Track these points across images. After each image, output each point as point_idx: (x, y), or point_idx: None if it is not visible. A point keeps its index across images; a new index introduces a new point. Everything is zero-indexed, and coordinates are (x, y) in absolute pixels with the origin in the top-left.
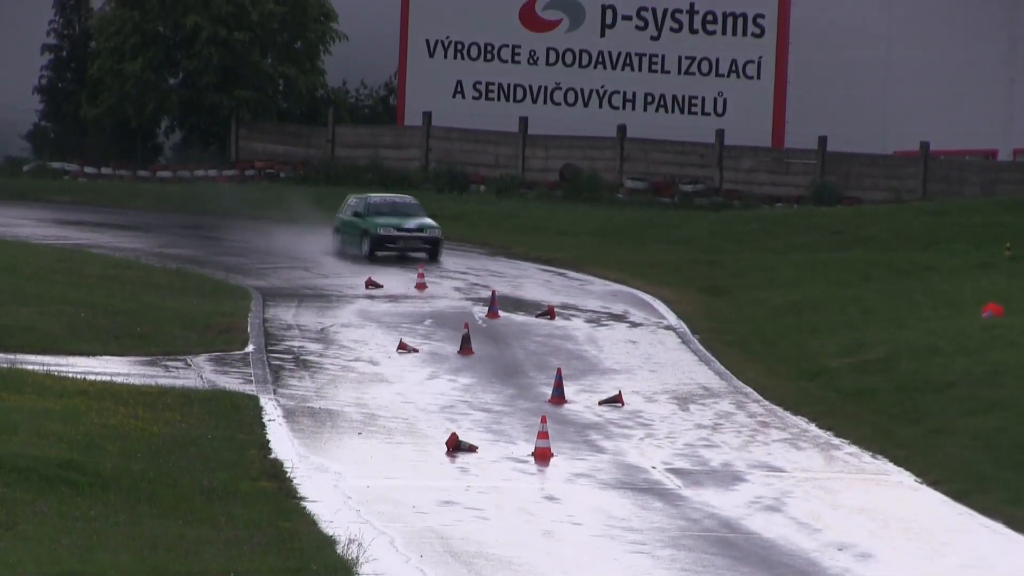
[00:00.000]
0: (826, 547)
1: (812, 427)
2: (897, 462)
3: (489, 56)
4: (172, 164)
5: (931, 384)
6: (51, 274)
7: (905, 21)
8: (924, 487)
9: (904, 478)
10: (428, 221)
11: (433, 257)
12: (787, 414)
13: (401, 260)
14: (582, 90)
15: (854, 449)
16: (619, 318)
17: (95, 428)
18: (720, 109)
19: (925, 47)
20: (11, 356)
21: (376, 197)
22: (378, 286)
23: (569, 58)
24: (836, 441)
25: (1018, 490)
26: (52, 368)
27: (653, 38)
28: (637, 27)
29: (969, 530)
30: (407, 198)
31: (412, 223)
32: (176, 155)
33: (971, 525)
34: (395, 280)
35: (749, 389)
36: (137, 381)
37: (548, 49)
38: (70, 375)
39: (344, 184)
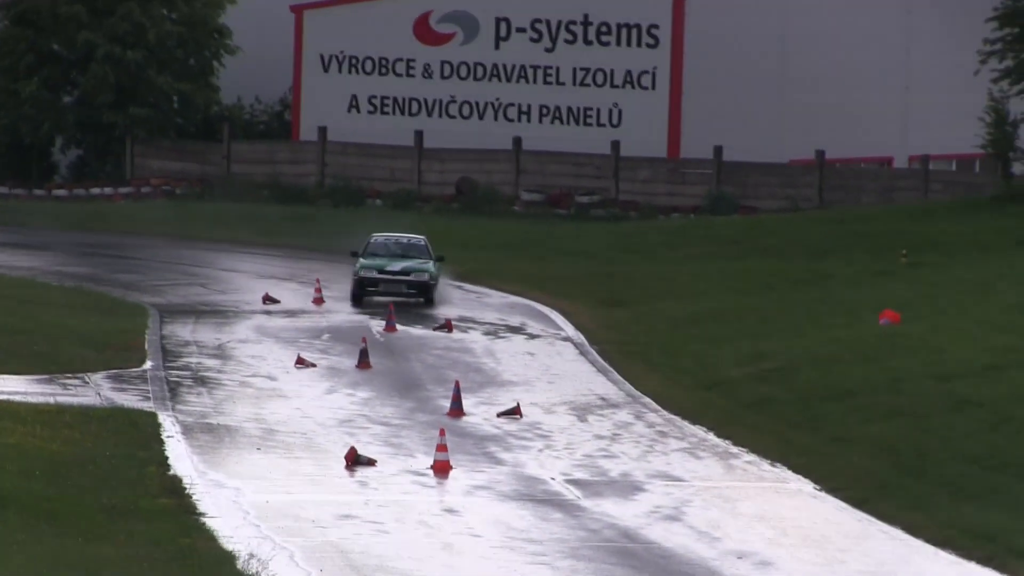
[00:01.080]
0: (726, 555)
1: (711, 436)
2: (796, 470)
3: (384, 70)
4: (68, 182)
5: (830, 392)
6: None
7: (800, 29)
8: (824, 494)
9: (803, 486)
10: (419, 264)
11: (427, 302)
12: (686, 424)
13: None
14: (477, 103)
15: (753, 457)
16: (517, 330)
17: None
18: (616, 120)
19: (820, 55)
20: None
21: (380, 237)
22: (275, 301)
23: (464, 71)
24: (735, 450)
25: (918, 496)
26: None
27: (548, 50)
28: (531, 39)
29: (869, 536)
30: (415, 238)
31: (398, 265)
32: (72, 173)
33: (871, 532)
34: (293, 295)
35: (648, 399)
36: (35, 399)
37: (443, 63)
38: None
39: (241, 201)
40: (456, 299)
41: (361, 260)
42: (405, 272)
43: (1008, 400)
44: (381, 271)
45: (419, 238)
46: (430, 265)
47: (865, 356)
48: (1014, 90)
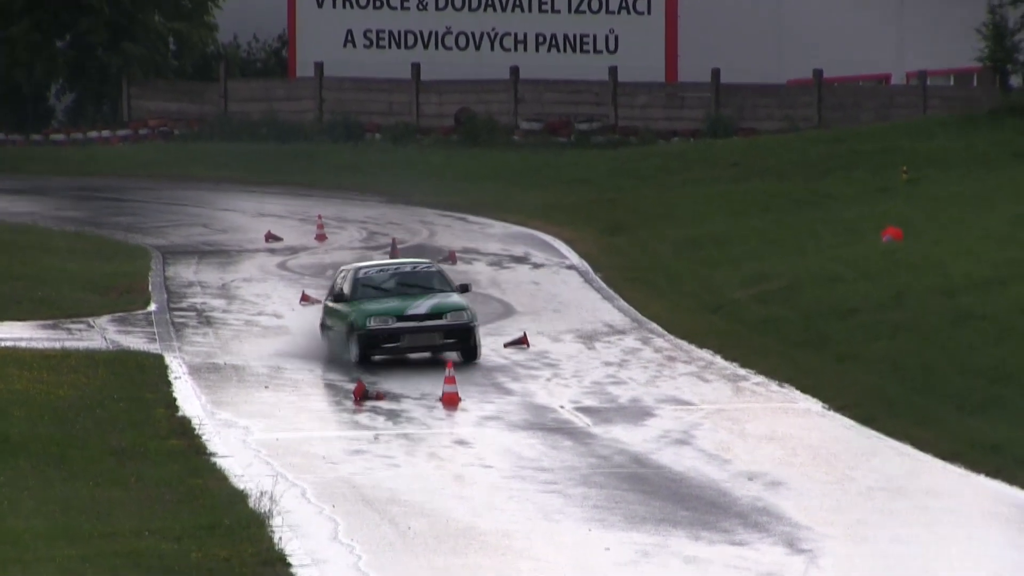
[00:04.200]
0: (736, 477)
1: (718, 359)
2: (804, 390)
3: (379, 3)
4: (65, 127)
5: (835, 311)
6: None
7: None
8: (832, 413)
9: (811, 405)
10: (449, 299)
11: (467, 355)
12: (693, 348)
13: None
14: (473, 34)
15: (761, 379)
16: (521, 260)
17: (3, 393)
18: (612, 46)
19: None
20: None
21: (367, 268)
22: (278, 239)
23: (459, 2)
24: (743, 372)
25: (924, 412)
26: None
27: None
28: None
29: (877, 453)
30: (420, 263)
31: (423, 305)
32: (68, 118)
33: (879, 448)
34: (295, 233)
35: (654, 324)
36: (40, 345)
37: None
38: None
39: (241, 139)
40: (459, 231)
41: (358, 307)
42: (436, 313)
43: (1011, 312)
44: (401, 317)
45: (426, 262)
46: (460, 299)
47: (868, 274)
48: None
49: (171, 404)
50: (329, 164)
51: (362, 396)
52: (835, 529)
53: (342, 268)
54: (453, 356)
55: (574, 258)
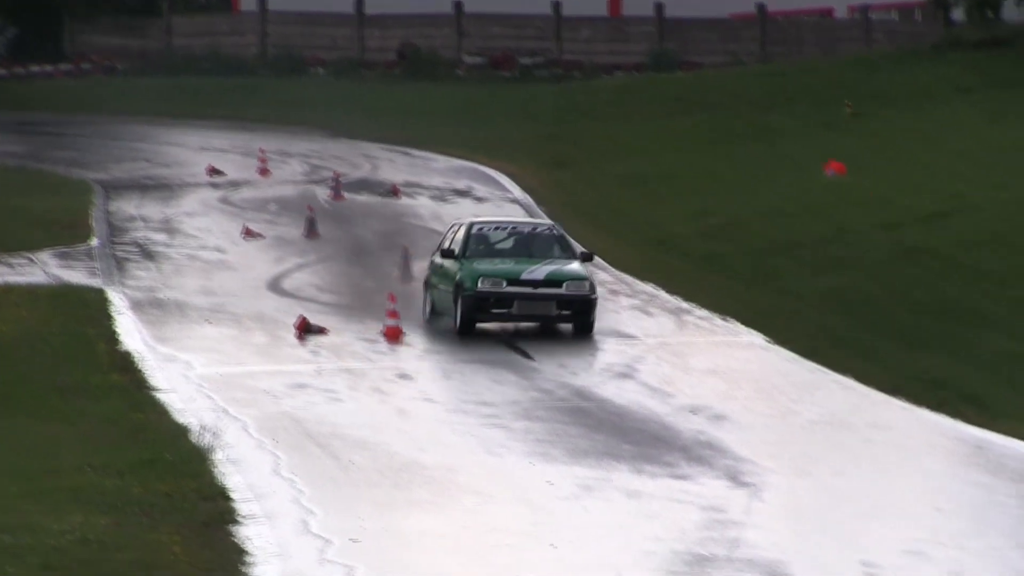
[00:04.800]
0: (679, 410)
1: (662, 293)
2: (747, 324)
3: None
4: (6, 61)
5: (779, 246)
6: None
7: None
8: (775, 347)
9: (755, 339)
10: (569, 267)
11: (583, 329)
12: (636, 281)
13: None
14: None
15: (704, 313)
16: (464, 194)
17: None
18: None
19: None
20: None
21: (483, 223)
22: (220, 173)
23: None
24: (686, 306)
25: (868, 346)
26: None
27: None
28: None
29: (821, 387)
30: (541, 224)
31: (539, 271)
32: (10, 52)
33: (823, 382)
34: (237, 167)
35: (597, 259)
36: None
37: None
38: None
39: (184, 74)
40: (402, 165)
41: (469, 265)
42: (554, 281)
43: (955, 247)
44: (514, 280)
45: (547, 224)
46: (579, 267)
47: (811, 208)
48: None
49: (113, 339)
50: (272, 99)
51: (304, 330)
52: (778, 463)
53: (455, 222)
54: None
55: (517, 192)
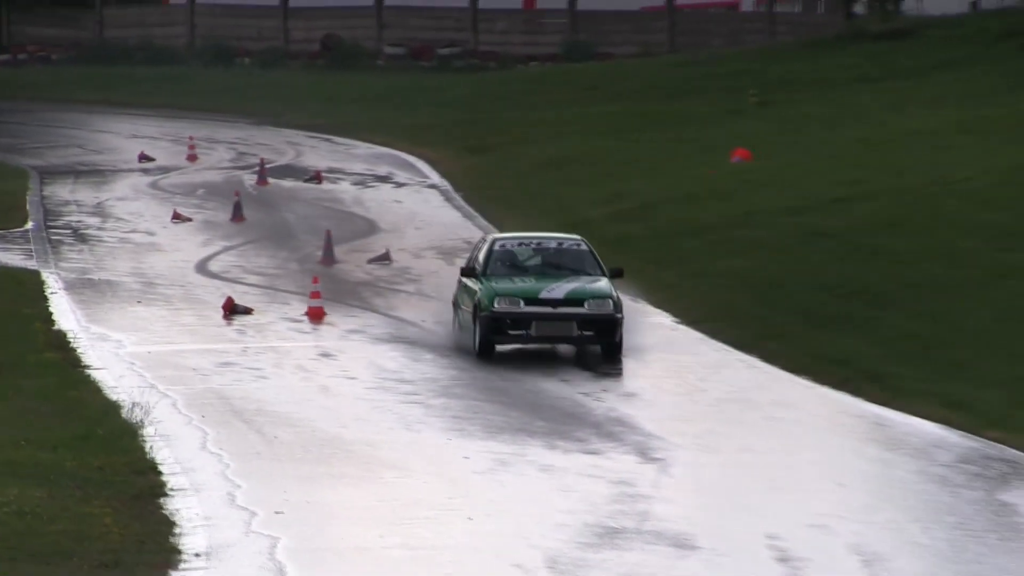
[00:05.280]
0: (592, 389)
1: None
2: (656, 304)
3: None
4: None
5: (687, 229)
6: None
7: None
8: (683, 327)
9: (663, 319)
10: (594, 285)
11: (608, 352)
12: None
13: (174, 134)
14: None
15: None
16: (384, 179)
17: None
18: None
19: None
20: None
21: (506, 239)
22: (151, 159)
23: None
24: None
25: (773, 325)
26: None
27: None
28: None
29: (727, 365)
30: (568, 239)
31: (560, 290)
32: None
33: (729, 360)
34: (167, 154)
35: None
36: None
37: None
38: None
39: (117, 63)
40: (325, 151)
41: (489, 283)
42: (575, 300)
43: (856, 230)
44: (532, 300)
45: (574, 239)
46: (606, 286)
47: (719, 193)
48: None
49: (48, 319)
50: (201, 88)
51: (231, 310)
52: (685, 439)
53: (482, 237)
54: (596, 349)
55: (436, 178)
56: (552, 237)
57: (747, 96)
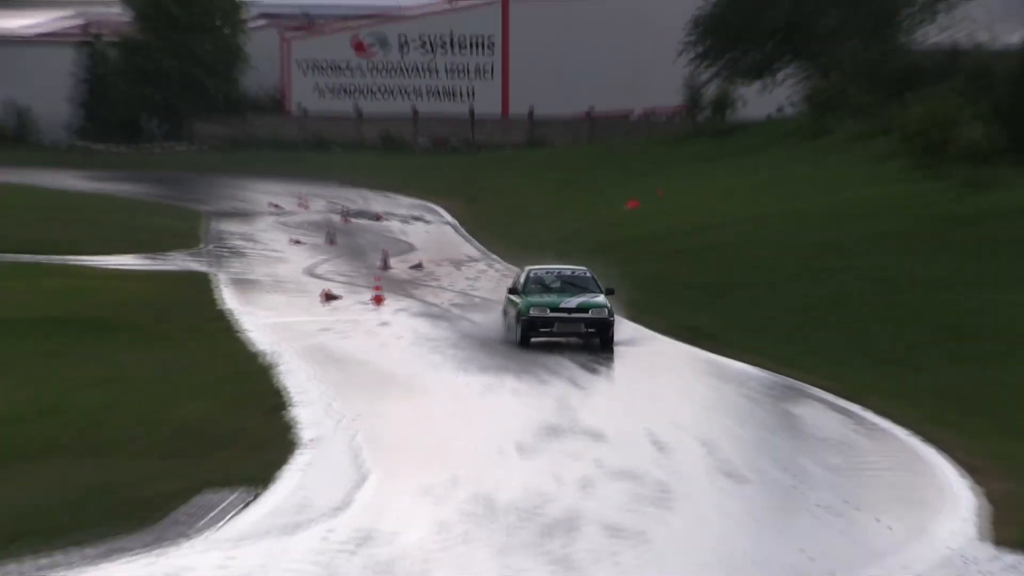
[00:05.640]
0: (543, 344)
1: None
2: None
3: (331, 71)
4: (158, 141)
5: (600, 247)
6: (83, 209)
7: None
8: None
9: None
10: (596, 299)
11: (604, 344)
12: (516, 269)
13: (290, 192)
14: (391, 88)
15: None
16: (417, 218)
17: (117, 295)
18: (471, 96)
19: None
20: (60, 257)
21: (538, 269)
22: (278, 207)
23: (381, 69)
24: None
25: (651, 305)
26: (87, 263)
27: (429, 54)
28: (421, 49)
29: (623, 327)
30: (579, 270)
31: (573, 301)
32: (160, 137)
33: (626, 326)
34: (287, 202)
35: (495, 256)
36: (143, 268)
37: (370, 65)
38: (99, 266)
39: (256, 149)
40: (383, 202)
41: (525, 298)
42: (583, 309)
43: (706, 248)
44: (555, 309)
45: (582, 269)
46: (603, 299)
47: (620, 225)
48: (704, 68)
49: (218, 301)
50: (307, 164)
51: (326, 297)
52: (598, 375)
53: (520, 269)
54: (595, 343)
55: (448, 217)
56: (567, 267)
57: (636, 166)
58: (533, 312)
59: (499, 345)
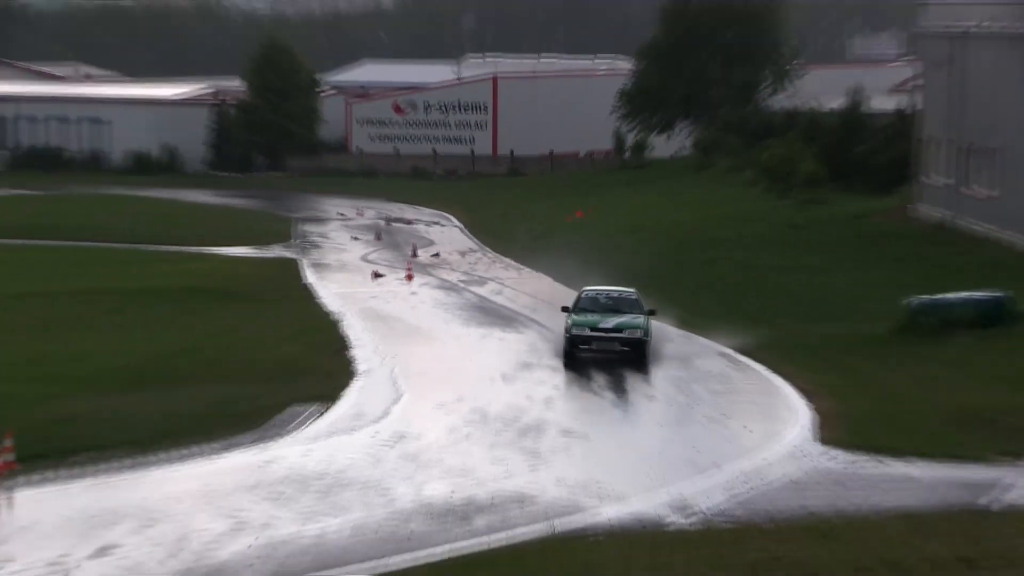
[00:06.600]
0: (520, 308)
1: (510, 260)
2: (544, 272)
3: (382, 125)
4: (263, 171)
5: (557, 245)
6: (211, 215)
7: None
8: (555, 281)
9: (545, 278)
10: (632, 320)
11: (638, 362)
12: (503, 257)
13: (352, 205)
14: (418, 137)
15: (529, 270)
16: (436, 223)
17: (234, 273)
18: (472, 142)
19: (562, 101)
20: (195, 248)
21: (591, 291)
22: (344, 215)
23: (413, 123)
24: (524, 268)
25: (577, 278)
26: (213, 252)
27: (444, 114)
28: (439, 110)
29: (558, 292)
30: (626, 292)
31: (611, 322)
32: (265, 168)
33: (563, 291)
34: (349, 211)
35: (489, 249)
36: (251, 256)
37: (404, 121)
38: (221, 254)
39: (329, 176)
40: (412, 212)
41: (573, 317)
42: (618, 329)
43: (633, 243)
44: (594, 328)
45: (630, 291)
46: (642, 320)
47: (575, 227)
48: (627, 124)
49: (302, 277)
50: (362, 187)
51: (375, 276)
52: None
53: (581, 289)
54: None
55: (456, 222)
56: (615, 289)
57: (584, 189)
58: (576, 331)
59: (492, 307)
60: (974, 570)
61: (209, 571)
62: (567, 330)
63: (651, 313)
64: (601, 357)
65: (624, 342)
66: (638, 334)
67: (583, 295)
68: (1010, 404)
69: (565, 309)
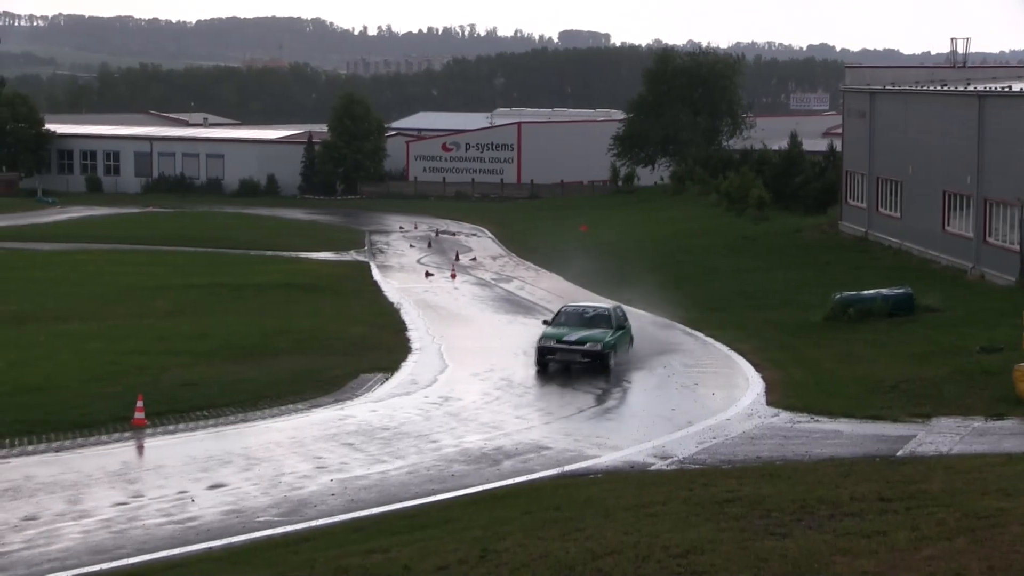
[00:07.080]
0: (537, 299)
1: (530, 264)
2: (553, 270)
3: (435, 160)
4: (340, 195)
5: (558, 251)
6: (301, 228)
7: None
8: (564, 280)
9: (557, 276)
10: (599, 334)
11: (602, 369)
12: (525, 261)
13: (409, 220)
14: (461, 170)
15: (537, 268)
16: (473, 235)
17: (319, 272)
18: (502, 172)
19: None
20: (289, 253)
21: (569, 307)
22: (403, 228)
23: (457, 158)
24: (537, 267)
25: (593, 283)
26: (302, 256)
27: (480, 152)
28: (477, 148)
29: (556, 283)
30: (601, 307)
31: (575, 336)
32: (341, 193)
33: (578, 294)
34: (407, 224)
35: (513, 254)
36: (333, 259)
37: (451, 156)
38: (310, 258)
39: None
40: (455, 225)
41: (546, 329)
42: (580, 342)
43: (620, 252)
44: (560, 340)
45: (605, 307)
46: (608, 335)
47: (576, 239)
48: (619, 159)
49: (371, 276)
50: (419, 207)
51: (427, 275)
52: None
53: (564, 304)
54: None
55: (489, 234)
56: (592, 306)
57: (584, 210)
58: (543, 342)
59: (516, 299)
60: (889, 504)
61: (298, 501)
62: (538, 341)
63: (620, 328)
64: (573, 367)
65: (585, 354)
66: (598, 347)
67: (563, 310)
68: (914, 376)
69: (545, 322)
